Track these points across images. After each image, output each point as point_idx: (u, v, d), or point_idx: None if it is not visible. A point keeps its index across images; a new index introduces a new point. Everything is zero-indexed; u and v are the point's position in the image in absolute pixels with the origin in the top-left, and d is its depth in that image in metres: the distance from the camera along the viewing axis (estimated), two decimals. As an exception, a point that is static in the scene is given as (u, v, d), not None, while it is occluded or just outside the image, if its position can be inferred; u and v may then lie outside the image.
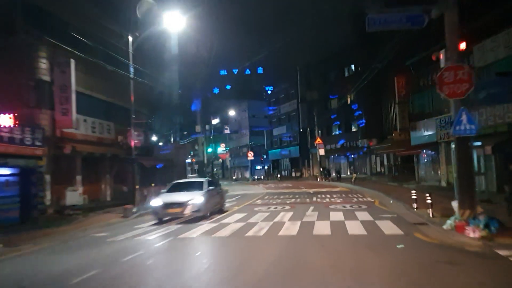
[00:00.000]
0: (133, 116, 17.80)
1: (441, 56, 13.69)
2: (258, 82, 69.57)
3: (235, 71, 56.28)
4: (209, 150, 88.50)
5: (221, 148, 78.41)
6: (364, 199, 19.23)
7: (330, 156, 46.79)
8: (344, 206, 15.71)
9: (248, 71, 52.44)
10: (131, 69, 17.60)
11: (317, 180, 40.60)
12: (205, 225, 12.13)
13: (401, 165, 29.10)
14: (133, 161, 17.46)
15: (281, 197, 22.40)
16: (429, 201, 11.62)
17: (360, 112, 38.64)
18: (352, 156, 42.83)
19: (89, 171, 20.08)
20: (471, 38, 16.30)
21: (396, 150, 27.81)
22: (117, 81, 19.70)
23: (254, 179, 61.89)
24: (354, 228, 10.35)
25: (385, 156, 36.48)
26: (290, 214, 13.89)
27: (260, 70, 50.36)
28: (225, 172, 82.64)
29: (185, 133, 64.16)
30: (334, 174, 37.64)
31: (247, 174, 70.71)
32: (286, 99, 58.14)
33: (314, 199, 20.05)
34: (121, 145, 21.30)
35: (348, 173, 42.65)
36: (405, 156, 28.58)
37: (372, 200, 18.24)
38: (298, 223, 11.63)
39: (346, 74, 42.21)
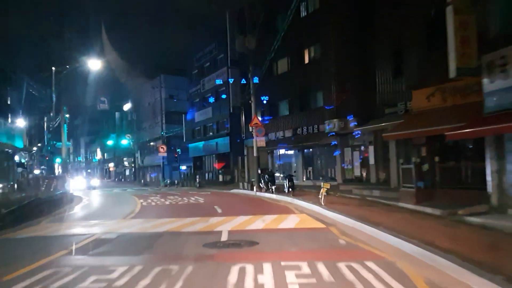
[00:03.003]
0: None
1: None
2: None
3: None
4: (109, 142, 70.24)
5: (125, 141, 60.56)
6: None
7: (275, 151, 31.10)
8: None
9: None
10: None
11: (252, 190, 24.67)
12: None
13: (439, 164, 13.66)
14: None
15: None
16: None
17: (330, 74, 23.17)
18: (311, 150, 27.28)
19: None
20: None
21: (431, 129, 12.43)
22: None
23: (166, 184, 45.13)
24: None
25: (372, 149, 21.28)
26: None
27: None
28: (137, 174, 64.34)
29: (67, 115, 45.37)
30: (284, 181, 21.62)
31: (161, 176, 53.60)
32: (212, 68, 41.76)
33: None
34: None
35: (304, 179, 27.11)
36: (442, 145, 13.32)
37: None
38: None
39: (304, 13, 26.64)
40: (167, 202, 20.72)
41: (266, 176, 23.06)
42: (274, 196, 20.68)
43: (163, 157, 48.55)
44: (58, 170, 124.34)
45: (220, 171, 39.76)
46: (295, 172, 26.67)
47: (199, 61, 44.62)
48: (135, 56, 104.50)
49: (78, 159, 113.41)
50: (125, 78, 67.78)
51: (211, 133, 43.10)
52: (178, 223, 12.41)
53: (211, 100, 41.53)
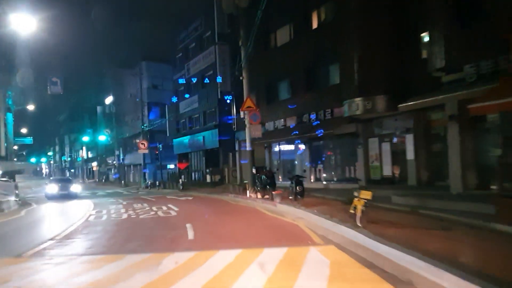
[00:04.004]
0: None
1: None
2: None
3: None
4: (85, 139, 64.10)
5: (103, 137, 54.54)
6: None
7: (273, 144, 25.29)
8: None
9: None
10: None
11: (245, 194, 18.84)
12: None
13: None
14: None
15: None
16: None
17: (350, 38, 17.29)
18: (321, 142, 21.41)
19: None
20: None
21: None
22: None
23: (147, 185, 39.25)
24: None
25: (411, 138, 15.55)
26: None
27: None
28: (121, 173, 57.77)
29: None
30: (290, 183, 15.44)
31: (147, 176, 47.75)
32: (198, 49, 35.83)
33: None
34: None
35: (312, 180, 21.24)
36: None
37: None
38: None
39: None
40: (124, 216, 14.78)
41: (263, 177, 17.18)
42: (275, 205, 14.82)
43: (144, 155, 42.76)
44: (45, 170, 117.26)
45: (207, 170, 33.86)
46: (304, 171, 20.75)
47: (183, 41, 38.66)
48: (115, 42, 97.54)
49: (63, 159, 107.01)
50: (105, 67, 61.99)
51: (197, 126, 37.18)
52: (101, 272, 6.53)
53: (199, 87, 35.58)
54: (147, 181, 40.66)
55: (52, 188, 25.94)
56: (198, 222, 12.09)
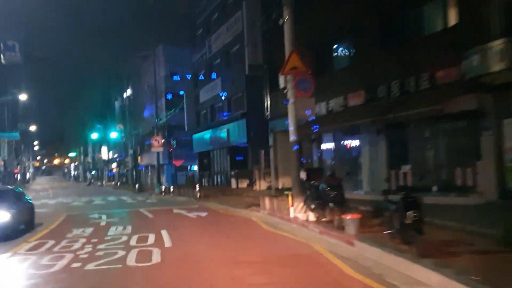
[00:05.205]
0: None
1: None
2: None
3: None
4: (94, 136, 58.50)
5: (115, 134, 48.62)
6: None
7: (324, 136, 18.00)
8: None
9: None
10: None
11: (287, 213, 11.64)
12: None
13: None
14: None
15: None
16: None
17: None
18: (410, 129, 13.87)
19: None
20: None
21: None
22: None
23: (162, 191, 32.64)
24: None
25: None
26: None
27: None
28: (131, 175, 51.16)
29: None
30: (383, 199, 7.99)
31: (164, 179, 41.28)
32: (222, 18, 28.91)
33: None
34: None
35: (393, 188, 13.71)
36: None
37: None
38: None
39: None
40: (61, 263, 7.94)
41: (323, 186, 9.97)
42: (352, 245, 7.66)
43: (159, 154, 36.34)
44: (73, 172, 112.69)
45: (233, 173, 26.96)
46: (422, 178, 12.83)
47: (204, 13, 31.91)
48: (133, 26, 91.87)
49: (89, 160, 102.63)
50: (122, 55, 56.41)
51: (220, 118, 30.33)
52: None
53: (222, 67, 28.71)
54: (161, 186, 34.13)
55: None
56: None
